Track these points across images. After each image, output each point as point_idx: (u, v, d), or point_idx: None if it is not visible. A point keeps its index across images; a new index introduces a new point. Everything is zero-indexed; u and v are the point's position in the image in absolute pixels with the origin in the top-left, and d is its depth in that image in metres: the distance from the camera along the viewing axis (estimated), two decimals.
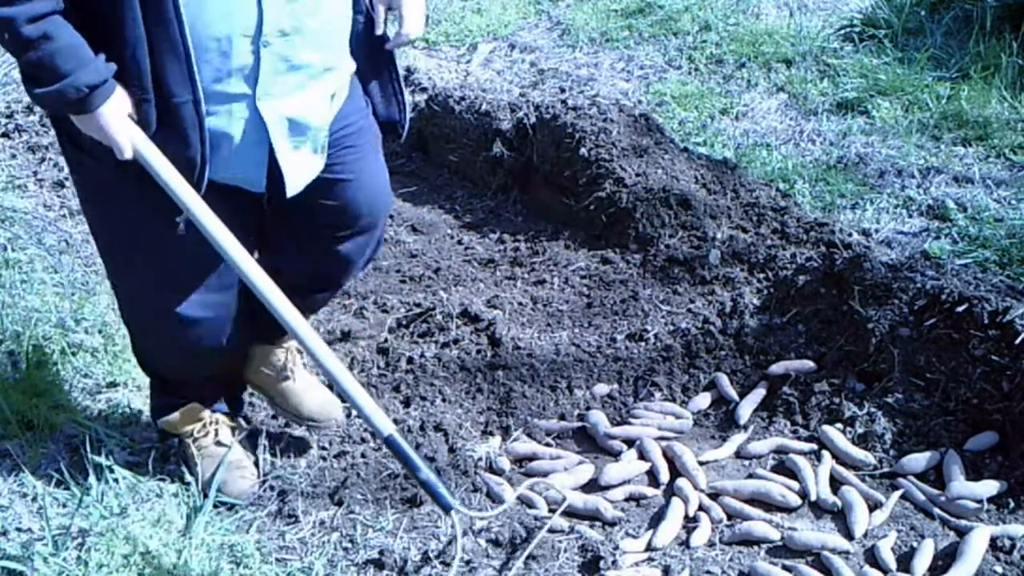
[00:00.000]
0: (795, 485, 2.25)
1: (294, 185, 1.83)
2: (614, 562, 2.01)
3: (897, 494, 2.21)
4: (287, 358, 2.31)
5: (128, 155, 1.63)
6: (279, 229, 2.02)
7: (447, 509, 1.87)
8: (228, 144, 1.73)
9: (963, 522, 2.13)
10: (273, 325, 2.15)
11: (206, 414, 2.26)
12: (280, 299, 1.78)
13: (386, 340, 2.80)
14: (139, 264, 1.89)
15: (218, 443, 2.26)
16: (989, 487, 2.17)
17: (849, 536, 2.11)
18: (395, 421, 2.48)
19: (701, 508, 2.20)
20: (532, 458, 2.38)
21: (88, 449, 2.27)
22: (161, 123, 1.66)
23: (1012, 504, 2.16)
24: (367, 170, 2.01)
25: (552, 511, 2.18)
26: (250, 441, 2.37)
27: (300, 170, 1.84)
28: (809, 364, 2.51)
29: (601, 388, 2.57)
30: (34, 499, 2.22)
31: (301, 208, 1.92)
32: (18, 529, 2.14)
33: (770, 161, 3.69)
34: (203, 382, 2.22)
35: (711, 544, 2.11)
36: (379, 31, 1.89)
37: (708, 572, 2.02)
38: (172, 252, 1.83)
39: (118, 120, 1.61)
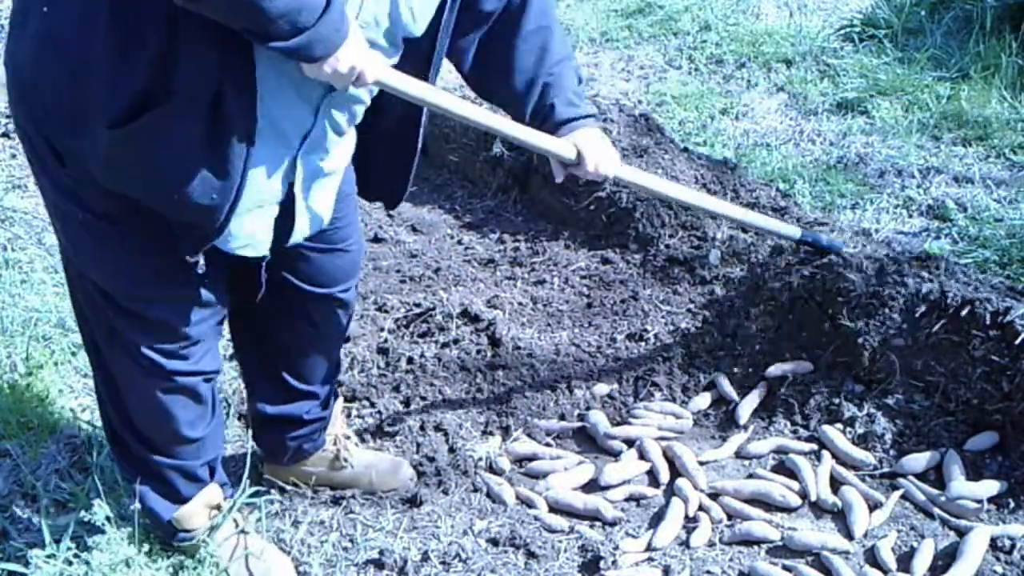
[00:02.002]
0: (795, 485, 2.24)
1: (300, 231, 1.75)
2: (614, 562, 2.01)
3: (897, 494, 2.21)
4: (338, 447, 2.22)
5: (373, 78, 1.53)
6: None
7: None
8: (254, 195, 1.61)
9: (963, 522, 2.13)
10: (277, 450, 2.17)
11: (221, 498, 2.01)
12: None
13: (386, 340, 2.80)
14: (135, 317, 1.69)
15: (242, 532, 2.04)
16: (989, 487, 2.17)
17: (849, 536, 2.11)
18: (395, 421, 2.49)
19: (701, 508, 2.20)
20: (532, 458, 2.38)
21: (88, 449, 2.27)
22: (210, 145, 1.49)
23: (1012, 504, 2.16)
24: (356, 238, 1.98)
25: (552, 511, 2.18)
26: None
27: (318, 205, 1.76)
28: (807, 365, 2.51)
29: (601, 388, 2.57)
30: (34, 499, 2.22)
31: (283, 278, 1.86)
32: (18, 529, 2.14)
33: (770, 161, 3.69)
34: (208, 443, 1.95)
35: (711, 544, 2.11)
36: (558, 180, 1.96)
37: (708, 572, 2.02)
38: (170, 298, 1.70)
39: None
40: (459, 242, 3.43)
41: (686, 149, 3.56)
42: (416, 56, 1.67)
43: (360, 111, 1.70)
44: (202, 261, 1.62)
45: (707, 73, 4.61)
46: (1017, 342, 2.25)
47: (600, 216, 3.27)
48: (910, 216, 3.33)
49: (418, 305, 2.93)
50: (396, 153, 1.81)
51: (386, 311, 2.95)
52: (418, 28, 1.61)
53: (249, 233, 1.64)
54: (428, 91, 1.64)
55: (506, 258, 3.26)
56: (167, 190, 1.50)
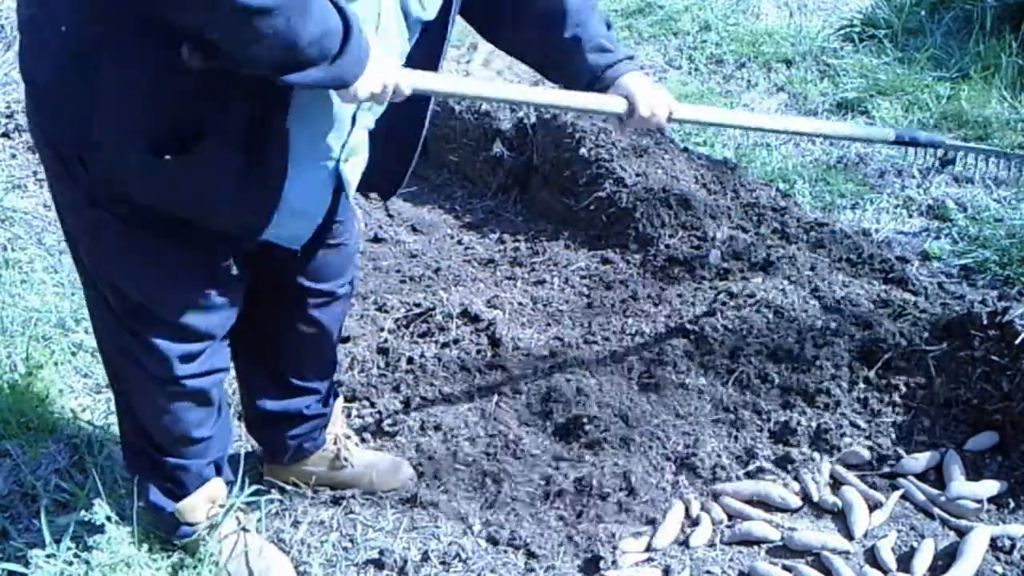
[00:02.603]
0: (795, 485, 2.24)
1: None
2: (614, 562, 2.01)
3: (897, 494, 2.21)
4: (338, 446, 2.22)
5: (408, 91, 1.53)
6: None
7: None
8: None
9: (963, 522, 2.13)
10: (277, 449, 2.17)
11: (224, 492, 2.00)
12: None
13: (386, 340, 2.80)
14: (156, 325, 1.69)
15: (243, 529, 2.03)
16: (989, 487, 2.17)
17: (849, 536, 2.11)
18: (395, 422, 2.49)
19: (701, 508, 2.20)
20: None
21: (88, 449, 2.27)
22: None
23: (1012, 504, 2.16)
24: (352, 232, 1.99)
25: None
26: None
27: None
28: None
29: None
30: (34, 499, 2.22)
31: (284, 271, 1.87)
32: (18, 529, 2.14)
33: (770, 161, 3.69)
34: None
35: (711, 544, 2.11)
36: (622, 138, 1.89)
37: (708, 572, 2.02)
38: (191, 300, 1.68)
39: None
40: (459, 242, 3.43)
41: (686, 149, 3.56)
42: (427, 40, 1.66)
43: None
44: (234, 267, 1.65)
45: (707, 73, 4.61)
46: (1017, 342, 2.25)
47: (600, 216, 3.27)
48: (910, 216, 3.33)
49: (418, 305, 2.93)
50: (402, 140, 1.79)
51: (386, 311, 2.95)
52: (429, 14, 1.61)
53: (292, 236, 1.70)
54: (462, 84, 1.63)
55: (506, 258, 3.26)
56: (205, 212, 1.53)
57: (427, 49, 1.67)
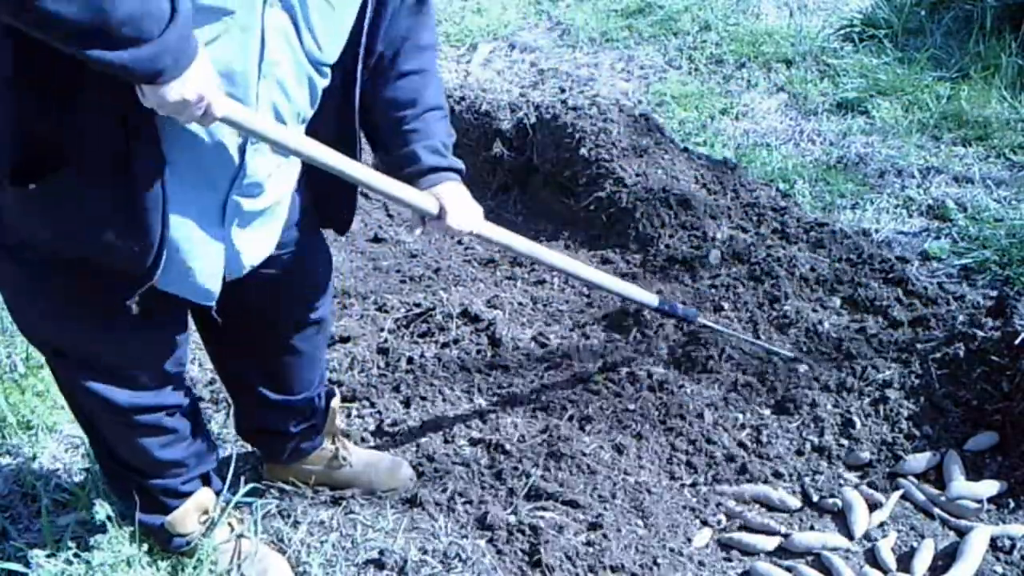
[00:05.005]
0: (795, 486, 2.25)
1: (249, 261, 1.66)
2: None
3: (897, 494, 2.21)
4: (336, 445, 2.21)
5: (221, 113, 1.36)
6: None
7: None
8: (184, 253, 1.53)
9: (963, 522, 2.13)
10: (274, 451, 2.16)
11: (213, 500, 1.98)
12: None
13: (386, 340, 2.80)
14: (83, 367, 1.65)
15: (239, 536, 2.01)
16: (989, 487, 2.17)
17: (849, 536, 2.11)
18: (395, 422, 2.49)
19: (703, 509, 2.20)
20: None
21: (88, 449, 2.27)
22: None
23: (1012, 504, 2.16)
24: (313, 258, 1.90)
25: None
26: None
27: (253, 247, 1.66)
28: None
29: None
30: (34, 499, 2.22)
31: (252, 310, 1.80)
32: (18, 529, 2.14)
33: (770, 161, 3.69)
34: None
35: (711, 544, 2.11)
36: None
37: (708, 572, 2.02)
38: (114, 343, 1.63)
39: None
40: (459, 242, 3.43)
41: (686, 149, 3.56)
42: (333, 109, 1.59)
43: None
44: (135, 307, 1.52)
45: (707, 73, 4.61)
46: (1017, 342, 2.25)
47: (600, 216, 3.27)
48: (910, 216, 3.33)
49: (418, 305, 2.93)
50: (335, 178, 1.63)
51: (386, 311, 2.95)
52: (327, 56, 1.50)
53: (194, 280, 1.56)
54: (279, 131, 1.45)
55: (506, 258, 3.26)
56: (83, 247, 1.44)
57: (336, 122, 1.60)
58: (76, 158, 1.35)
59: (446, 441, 2.41)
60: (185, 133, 1.40)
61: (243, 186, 1.53)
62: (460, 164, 1.78)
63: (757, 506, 2.22)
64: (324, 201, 1.80)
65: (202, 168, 1.46)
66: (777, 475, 2.28)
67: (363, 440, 2.44)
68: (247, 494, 2.03)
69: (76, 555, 1.85)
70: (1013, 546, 2.04)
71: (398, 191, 1.67)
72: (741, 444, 2.35)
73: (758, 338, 2.57)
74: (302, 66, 1.47)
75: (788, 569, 2.02)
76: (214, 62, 1.32)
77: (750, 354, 2.55)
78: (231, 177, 1.50)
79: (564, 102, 3.68)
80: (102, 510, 1.82)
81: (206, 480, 1.96)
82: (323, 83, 1.54)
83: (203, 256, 1.55)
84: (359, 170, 1.60)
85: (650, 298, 2.32)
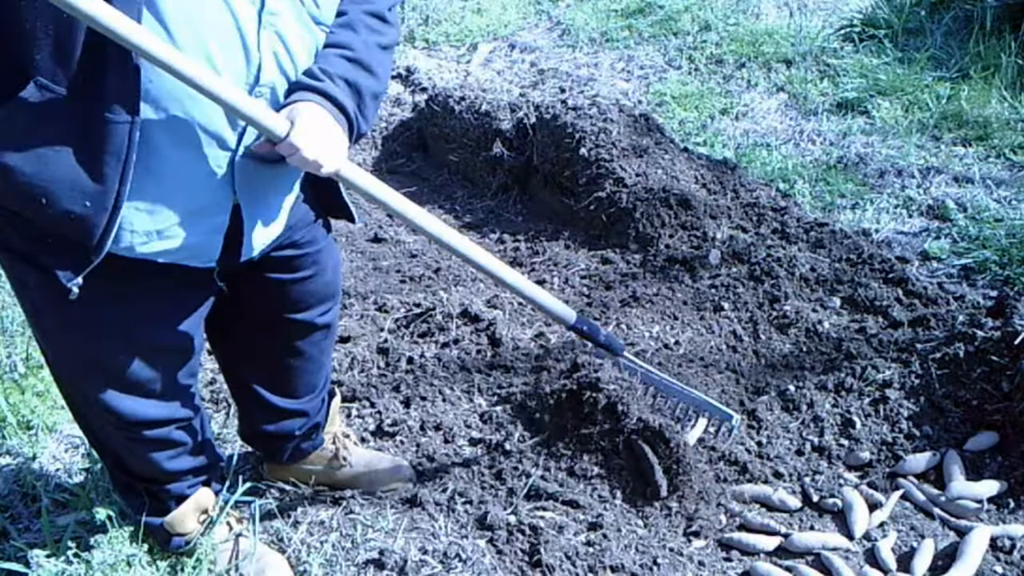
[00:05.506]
0: (795, 486, 2.25)
1: (257, 244, 1.62)
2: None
3: (897, 494, 2.21)
4: (336, 445, 2.21)
5: None
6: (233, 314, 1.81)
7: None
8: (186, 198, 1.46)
9: (963, 522, 2.13)
10: (275, 452, 2.15)
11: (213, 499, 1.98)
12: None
13: (386, 340, 2.80)
14: (108, 377, 1.63)
15: (238, 535, 2.01)
16: (989, 487, 2.17)
17: (849, 536, 2.11)
18: (395, 422, 2.49)
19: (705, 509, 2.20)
20: None
21: (88, 449, 2.27)
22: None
23: (1012, 504, 2.16)
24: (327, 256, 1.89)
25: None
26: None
27: (261, 232, 1.62)
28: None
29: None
30: (34, 499, 2.22)
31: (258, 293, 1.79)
32: (18, 529, 2.14)
33: (770, 161, 3.69)
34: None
35: (711, 544, 2.11)
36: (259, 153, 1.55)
37: (708, 572, 2.02)
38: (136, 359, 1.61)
39: None
40: None
41: (686, 149, 3.56)
42: None
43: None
44: (76, 289, 1.42)
45: (707, 73, 4.61)
46: (1017, 342, 2.25)
47: (600, 216, 3.27)
48: (910, 216, 3.33)
49: (418, 305, 2.93)
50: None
51: (386, 311, 2.95)
52: (324, 15, 1.49)
53: (192, 245, 1.51)
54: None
55: (506, 258, 3.26)
56: (25, 188, 1.32)
57: None
58: (41, 73, 1.26)
59: (446, 441, 2.41)
60: (179, 90, 1.33)
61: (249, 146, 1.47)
62: (337, 92, 1.48)
63: (757, 506, 2.22)
64: (325, 190, 1.79)
65: (211, 122, 1.40)
66: (777, 475, 2.28)
67: (363, 440, 2.44)
68: (246, 494, 2.03)
69: (76, 555, 1.85)
70: (1013, 546, 2.04)
71: (248, 107, 1.38)
72: (741, 444, 2.35)
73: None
74: (302, 20, 1.47)
75: (788, 569, 2.02)
76: (215, 7, 1.32)
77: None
78: (240, 132, 1.45)
79: (564, 102, 3.68)
80: (102, 510, 1.83)
81: (206, 480, 1.96)
82: (322, 38, 1.52)
83: (210, 221, 1.50)
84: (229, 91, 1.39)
85: (567, 314, 1.99)
